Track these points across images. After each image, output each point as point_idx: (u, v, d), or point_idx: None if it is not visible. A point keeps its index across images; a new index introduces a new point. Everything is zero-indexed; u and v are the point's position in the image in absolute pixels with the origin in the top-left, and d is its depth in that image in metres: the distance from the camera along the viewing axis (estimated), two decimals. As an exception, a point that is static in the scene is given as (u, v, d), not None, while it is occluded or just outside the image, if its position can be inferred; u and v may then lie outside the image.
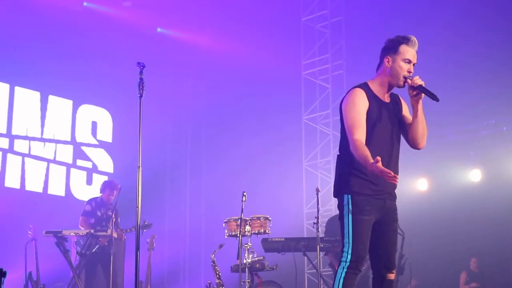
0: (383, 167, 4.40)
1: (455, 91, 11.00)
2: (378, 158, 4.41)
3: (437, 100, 4.69)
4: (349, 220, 4.74)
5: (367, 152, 4.56)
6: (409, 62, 4.86)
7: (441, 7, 12.16)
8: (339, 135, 5.06)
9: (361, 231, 4.73)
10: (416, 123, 4.89)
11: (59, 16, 12.66)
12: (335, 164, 5.09)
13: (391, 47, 4.90)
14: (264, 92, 14.01)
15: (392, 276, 4.88)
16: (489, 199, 11.91)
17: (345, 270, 4.71)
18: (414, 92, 4.79)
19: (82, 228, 9.91)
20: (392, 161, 4.86)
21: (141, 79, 6.28)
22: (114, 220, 9.44)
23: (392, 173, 4.42)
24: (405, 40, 4.88)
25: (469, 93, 11.58)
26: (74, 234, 9.62)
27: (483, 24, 11.78)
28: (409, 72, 4.84)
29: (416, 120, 4.88)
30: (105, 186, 10.37)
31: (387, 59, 4.89)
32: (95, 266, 9.83)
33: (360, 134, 4.71)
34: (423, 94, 4.78)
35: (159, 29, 14.80)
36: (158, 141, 12.57)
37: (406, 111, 5.05)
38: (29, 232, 9.80)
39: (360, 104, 4.80)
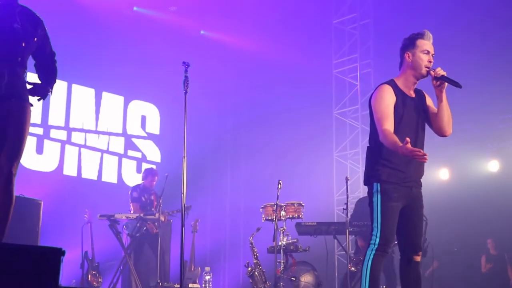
0: (412, 147, 4.40)
1: (474, 88, 10.92)
2: (407, 139, 4.40)
3: (460, 86, 4.69)
4: (378, 206, 4.72)
5: (396, 138, 4.55)
6: (428, 53, 4.86)
7: (462, 9, 12.00)
8: (367, 128, 5.05)
9: (389, 216, 4.71)
10: (441, 111, 4.86)
11: (112, 19, 12.73)
12: (363, 155, 5.09)
13: (409, 44, 4.92)
14: (298, 89, 13.97)
15: (418, 258, 4.85)
16: (506, 188, 11.77)
17: (373, 252, 4.69)
18: (438, 83, 4.77)
19: (132, 211, 9.99)
20: (417, 148, 4.77)
21: (185, 77, 6.31)
22: (160, 204, 9.50)
23: (422, 151, 4.41)
24: (420, 35, 4.91)
25: (486, 90, 11.48)
26: (125, 218, 9.69)
27: (501, 22, 11.62)
28: (430, 62, 4.85)
29: (441, 109, 4.85)
30: (147, 174, 10.46)
31: (407, 55, 4.90)
32: (144, 246, 9.88)
33: (388, 124, 4.70)
34: (446, 84, 4.75)
35: (202, 32, 14.82)
36: (201, 133, 12.60)
37: (430, 103, 5.03)
38: (85, 215, 9.90)
39: (387, 98, 4.79)
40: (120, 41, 12.87)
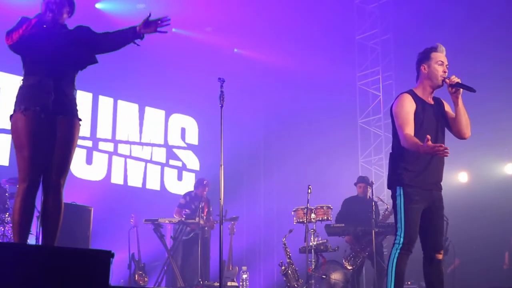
0: (433, 144, 4.39)
1: (491, 94, 10.86)
2: (428, 136, 4.40)
3: (474, 91, 4.71)
4: (401, 208, 4.70)
5: (416, 140, 4.56)
6: (442, 64, 4.86)
7: (476, 20, 11.92)
8: (390, 136, 5.03)
9: (411, 217, 4.68)
10: (459, 115, 4.84)
11: (153, 40, 12.78)
12: (386, 161, 5.08)
13: (424, 57, 4.93)
14: (325, 100, 13.94)
15: (440, 256, 4.81)
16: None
17: (398, 251, 4.66)
18: (453, 90, 4.77)
19: (176, 217, 10.03)
20: (436, 156, 4.76)
21: (221, 92, 6.34)
22: (206, 210, 9.56)
23: (443, 146, 4.40)
24: (434, 49, 4.91)
25: (502, 97, 11.37)
26: (168, 222, 9.74)
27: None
28: (444, 72, 4.84)
29: (459, 113, 4.83)
30: (199, 184, 10.45)
31: (423, 67, 4.90)
32: (190, 248, 9.85)
33: (409, 129, 4.69)
34: (461, 90, 4.74)
35: (235, 50, 14.87)
36: (236, 143, 12.59)
37: (448, 108, 5.01)
38: (131, 220, 9.96)
39: (407, 106, 4.78)
40: (161, 60, 12.96)
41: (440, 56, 4.88)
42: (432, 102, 4.94)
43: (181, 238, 9.62)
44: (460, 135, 4.94)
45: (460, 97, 4.78)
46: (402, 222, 4.68)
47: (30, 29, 4.40)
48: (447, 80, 4.78)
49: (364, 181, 9.57)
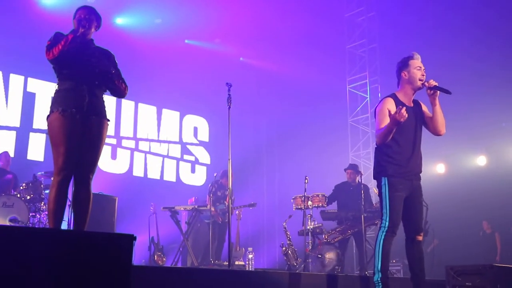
0: (399, 112, 4.47)
1: (467, 96, 10.88)
2: (400, 106, 4.51)
3: (449, 93, 4.76)
4: (386, 196, 4.71)
5: (384, 127, 4.65)
6: (420, 68, 4.87)
7: (462, 33, 11.91)
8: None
9: (395, 204, 4.69)
10: (436, 115, 4.85)
11: (169, 50, 12.87)
12: (373, 154, 5.07)
13: (403, 65, 4.93)
14: (320, 102, 13.96)
15: (420, 237, 4.82)
16: (493, 178, 11.61)
17: (384, 233, 4.66)
18: (431, 92, 4.77)
19: (208, 202, 9.96)
20: (416, 148, 4.84)
21: (229, 95, 6.35)
22: (232, 199, 9.56)
23: (402, 109, 4.48)
24: (410, 57, 4.93)
25: (477, 98, 11.38)
26: (183, 209, 9.73)
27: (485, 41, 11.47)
28: (423, 75, 4.86)
29: (436, 113, 4.85)
30: (223, 174, 10.23)
31: (404, 74, 4.91)
32: (209, 231, 9.76)
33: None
34: (438, 92, 4.74)
35: (241, 58, 14.88)
36: (242, 140, 12.60)
37: (425, 109, 5.02)
38: (151, 208, 9.96)
39: (386, 109, 4.79)
40: (175, 68, 12.98)
41: (417, 62, 4.90)
42: (412, 105, 4.94)
43: (194, 223, 9.60)
44: (436, 132, 4.94)
45: (437, 98, 4.80)
46: (387, 208, 4.68)
47: (68, 44, 4.41)
48: (426, 83, 4.79)
49: (352, 168, 9.52)
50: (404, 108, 4.51)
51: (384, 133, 4.67)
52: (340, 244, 8.78)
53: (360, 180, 9.17)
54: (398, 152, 4.75)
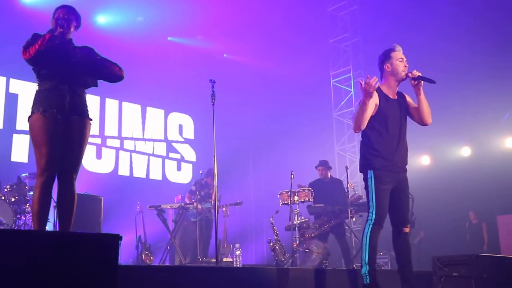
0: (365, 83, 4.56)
1: (452, 89, 10.96)
2: (368, 76, 4.59)
3: (434, 82, 4.79)
4: (372, 189, 4.72)
5: (359, 109, 4.68)
6: (402, 60, 4.90)
7: (445, 24, 11.98)
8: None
9: (381, 196, 4.70)
10: (421, 105, 4.88)
11: (152, 48, 12.80)
12: (359, 148, 5.08)
13: (385, 57, 4.96)
14: (304, 97, 13.99)
15: (406, 229, 4.84)
16: (477, 169, 11.70)
17: (371, 226, 4.68)
18: (415, 82, 4.81)
19: (187, 201, 10.00)
20: (401, 141, 4.86)
21: (212, 92, 6.34)
22: (217, 197, 9.54)
23: (370, 79, 4.56)
24: (392, 49, 4.95)
25: (461, 92, 11.46)
26: (169, 207, 9.72)
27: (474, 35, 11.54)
28: (405, 67, 4.89)
29: (421, 102, 4.88)
30: (208, 173, 10.20)
31: (386, 66, 4.93)
32: (196, 229, 9.76)
33: None
34: (422, 82, 4.77)
35: (225, 55, 14.85)
36: (227, 136, 12.59)
37: (410, 100, 5.05)
38: (137, 207, 9.93)
39: (371, 105, 4.78)
40: (159, 66, 12.92)
41: (399, 54, 4.93)
42: (396, 97, 4.96)
43: (181, 221, 9.59)
44: (422, 122, 4.97)
45: (421, 88, 4.83)
46: (374, 201, 4.70)
47: (45, 43, 4.37)
48: (409, 74, 4.82)
49: (321, 164, 9.62)
50: (374, 78, 4.55)
51: (358, 112, 4.68)
52: (320, 238, 8.82)
53: (347, 177, 9.22)
54: (383, 145, 4.76)
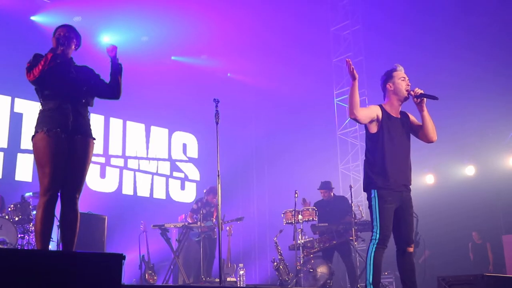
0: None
1: (455, 108, 10.95)
2: (347, 59, 4.72)
3: (436, 99, 4.79)
4: (376, 208, 4.70)
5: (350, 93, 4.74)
6: (404, 79, 4.91)
7: (449, 40, 12.00)
8: (364, 145, 5.05)
9: (385, 216, 4.68)
10: (425, 122, 4.88)
11: (156, 68, 12.86)
12: (363, 167, 5.06)
13: (388, 77, 4.98)
14: (308, 116, 14.01)
15: (411, 249, 4.81)
16: (482, 188, 11.64)
17: (375, 245, 4.65)
18: (418, 100, 4.81)
19: (190, 220, 9.98)
20: (404, 160, 4.85)
21: (216, 111, 6.34)
22: (216, 215, 9.50)
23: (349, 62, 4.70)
24: (393, 69, 4.97)
25: (464, 110, 11.45)
26: (173, 226, 9.69)
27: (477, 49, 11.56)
28: (408, 85, 4.89)
29: (425, 120, 4.88)
30: (209, 191, 10.26)
31: (389, 86, 4.94)
32: (199, 248, 9.72)
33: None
34: (425, 99, 4.78)
35: (229, 74, 14.91)
36: (231, 155, 12.60)
37: (413, 118, 5.04)
38: (141, 226, 9.91)
39: (372, 107, 4.88)
40: (163, 85, 12.98)
41: (401, 73, 4.94)
42: (399, 116, 4.97)
43: (185, 241, 9.56)
44: (427, 139, 4.96)
45: (424, 106, 4.83)
46: (378, 220, 4.68)
47: (48, 63, 4.40)
48: (412, 92, 4.83)
49: (323, 188, 9.59)
50: (349, 60, 4.68)
51: (349, 95, 4.75)
52: (325, 257, 8.78)
53: (351, 197, 9.20)
54: (386, 164, 4.74)
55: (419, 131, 4.95)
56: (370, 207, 4.78)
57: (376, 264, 4.62)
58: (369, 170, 4.84)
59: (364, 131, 5.02)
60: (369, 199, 4.80)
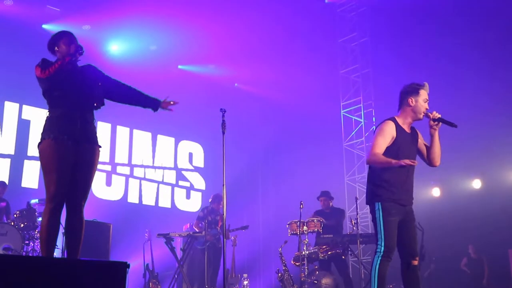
0: (404, 160, 4.53)
1: (462, 121, 10.87)
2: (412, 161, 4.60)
3: (455, 126, 4.73)
4: (381, 221, 4.70)
5: (385, 157, 4.65)
6: (426, 101, 4.86)
7: (454, 57, 12.00)
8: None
9: (390, 228, 4.68)
10: (434, 146, 4.87)
11: (162, 76, 12.88)
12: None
13: (413, 91, 4.87)
14: (314, 127, 13.99)
15: (416, 262, 4.81)
16: (488, 201, 11.59)
17: (379, 258, 4.65)
18: (435, 123, 4.75)
19: (196, 229, 9.96)
20: (409, 175, 4.85)
21: (223, 121, 6.35)
22: (221, 223, 9.49)
23: (410, 161, 4.55)
24: (422, 86, 4.88)
25: (471, 123, 11.41)
26: (178, 235, 9.67)
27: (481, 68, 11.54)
28: (427, 109, 4.85)
29: (434, 144, 4.87)
30: (214, 199, 10.25)
31: (410, 100, 4.85)
32: (204, 257, 9.69)
33: (379, 150, 4.72)
34: (440, 124, 4.75)
35: (236, 84, 14.94)
36: (237, 165, 12.59)
37: (421, 138, 5.02)
38: (145, 235, 9.90)
39: (387, 133, 4.80)
40: (170, 94, 12.97)
41: (426, 94, 4.88)
42: (410, 131, 4.95)
43: (189, 250, 9.54)
44: (432, 163, 4.98)
45: (437, 130, 4.82)
46: (382, 233, 4.67)
47: (66, 65, 4.42)
48: (429, 114, 4.79)
49: (323, 195, 9.65)
50: (416, 163, 4.60)
51: (382, 162, 4.68)
52: (322, 268, 8.79)
53: (356, 208, 9.18)
54: (392, 177, 4.75)
55: (424, 153, 4.96)
56: (374, 220, 4.77)
57: (380, 276, 4.61)
58: (374, 182, 4.84)
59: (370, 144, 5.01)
60: (372, 212, 4.79)
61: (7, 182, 10.19)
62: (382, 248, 4.64)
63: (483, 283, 10.82)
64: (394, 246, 4.71)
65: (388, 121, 4.86)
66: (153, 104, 4.88)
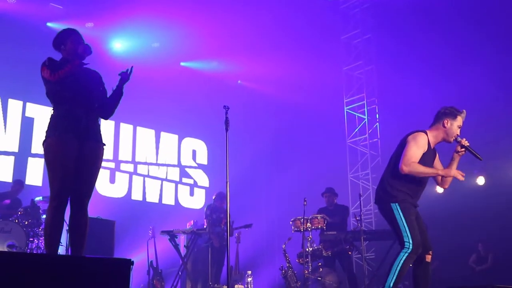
0: (460, 172, 4.93)
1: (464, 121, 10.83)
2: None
3: (480, 159, 4.91)
4: (402, 220, 4.86)
5: (428, 167, 4.88)
6: (459, 127, 5.02)
7: (455, 52, 11.95)
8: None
9: (413, 226, 4.82)
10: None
11: (165, 74, 12.88)
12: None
13: (451, 114, 5.00)
14: (318, 124, 13.97)
15: (429, 257, 5.00)
16: (492, 198, 11.55)
17: (406, 254, 4.78)
18: (462, 150, 4.91)
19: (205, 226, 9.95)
20: (425, 185, 5.08)
21: (226, 118, 6.33)
22: (224, 221, 9.47)
23: (462, 174, 4.91)
24: (461, 112, 5.03)
25: (476, 121, 11.37)
26: (182, 233, 9.68)
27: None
28: (457, 134, 5.00)
29: (452, 168, 5.02)
30: (218, 197, 10.25)
31: (446, 121, 4.97)
32: (207, 254, 9.70)
33: (416, 160, 4.86)
34: (465, 151, 4.92)
35: (239, 81, 14.93)
36: (240, 162, 12.57)
37: (438, 158, 5.17)
38: (149, 232, 9.91)
39: (422, 146, 4.94)
40: (173, 91, 13.01)
41: (461, 121, 5.03)
42: (433, 147, 5.08)
43: (193, 247, 9.54)
44: (442, 185, 5.19)
45: (460, 157, 4.99)
46: (407, 231, 4.78)
47: (75, 68, 4.42)
48: (459, 140, 4.93)
49: (328, 191, 9.64)
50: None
51: (425, 172, 4.85)
52: (326, 265, 8.78)
53: (360, 206, 9.18)
54: (412, 187, 4.94)
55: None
56: (392, 220, 4.88)
57: (402, 269, 4.74)
58: (394, 185, 4.97)
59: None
60: (388, 212, 4.92)
61: (11, 179, 10.22)
62: (411, 246, 4.75)
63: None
64: (420, 241, 4.82)
65: (423, 134, 5.00)
66: (119, 85, 4.76)
